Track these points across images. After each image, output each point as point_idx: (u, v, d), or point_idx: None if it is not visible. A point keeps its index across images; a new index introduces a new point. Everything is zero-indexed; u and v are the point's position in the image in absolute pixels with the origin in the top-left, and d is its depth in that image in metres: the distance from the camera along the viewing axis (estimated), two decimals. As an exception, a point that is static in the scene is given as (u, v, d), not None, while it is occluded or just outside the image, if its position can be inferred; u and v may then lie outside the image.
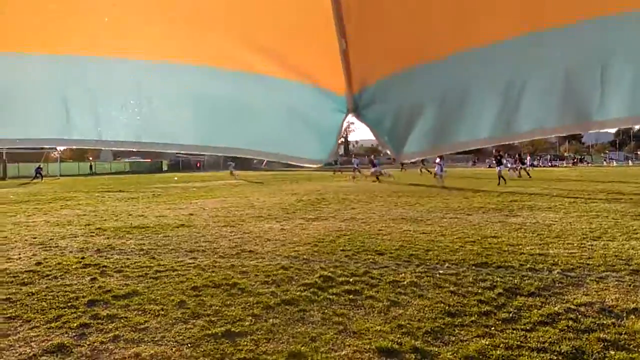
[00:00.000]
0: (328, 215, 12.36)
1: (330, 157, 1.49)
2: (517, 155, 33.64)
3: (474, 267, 6.50)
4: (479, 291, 5.41)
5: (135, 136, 1.35)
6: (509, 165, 31.80)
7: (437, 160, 23.64)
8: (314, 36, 1.30)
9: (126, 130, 1.34)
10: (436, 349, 3.95)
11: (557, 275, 6.01)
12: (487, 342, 4.05)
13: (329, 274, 6.23)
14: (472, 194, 17.77)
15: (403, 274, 6.16)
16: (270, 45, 1.31)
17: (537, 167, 55.42)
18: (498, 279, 5.89)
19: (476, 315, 4.69)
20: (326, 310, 4.91)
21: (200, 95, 1.37)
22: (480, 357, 3.81)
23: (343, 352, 3.93)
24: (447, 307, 4.91)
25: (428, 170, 35.19)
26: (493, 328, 4.38)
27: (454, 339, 4.17)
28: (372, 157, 38.95)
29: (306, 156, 1.50)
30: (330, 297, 5.33)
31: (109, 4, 1.17)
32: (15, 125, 1.27)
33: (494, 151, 29.49)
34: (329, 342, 4.14)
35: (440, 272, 6.26)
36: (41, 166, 40.04)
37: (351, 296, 5.34)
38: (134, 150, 1.37)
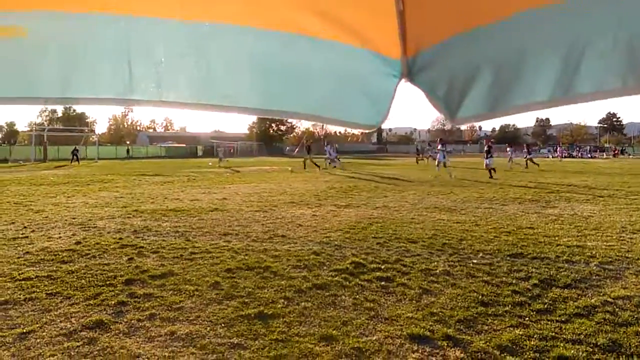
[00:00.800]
0: (360, 202, 12.34)
1: (382, 122, 1.48)
2: (525, 146, 32.99)
3: (508, 258, 6.40)
4: (514, 282, 5.33)
5: (195, 97, 1.37)
6: (513, 155, 31.25)
7: (440, 146, 22.68)
8: None
9: (186, 91, 1.36)
10: (469, 337, 3.92)
11: (594, 268, 5.86)
12: (520, 333, 4.00)
13: (361, 260, 6.24)
14: (508, 184, 17.42)
15: (436, 263, 6.11)
16: (326, 7, 1.30)
17: (575, 157, 54.05)
18: (533, 270, 5.79)
19: (510, 306, 4.62)
20: (357, 296, 4.92)
21: (258, 58, 1.37)
22: (514, 347, 3.76)
23: (374, 337, 3.94)
24: (480, 297, 4.85)
25: (431, 157, 34.55)
26: (527, 319, 4.31)
27: (487, 328, 4.12)
28: (327, 143, 37.25)
29: (360, 121, 1.49)
30: (362, 283, 5.34)
31: None
32: (81, 84, 1.30)
33: (484, 142, 28.76)
34: (360, 327, 4.15)
35: (474, 261, 6.18)
36: (77, 148, 41.11)
37: (383, 283, 5.34)
38: (192, 109, 1.39)
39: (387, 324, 4.21)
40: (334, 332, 4.04)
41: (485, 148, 23.31)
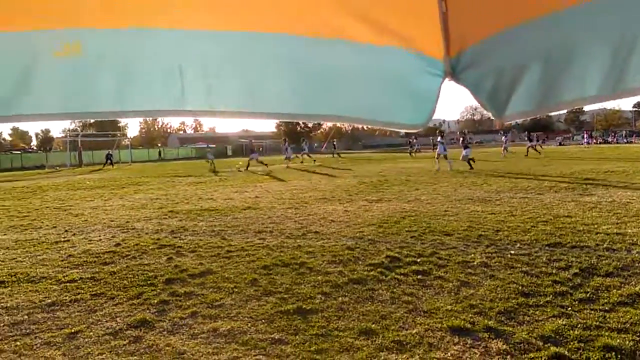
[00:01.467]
0: (391, 196, 12.29)
1: (427, 122, 1.49)
2: (527, 133, 33.28)
3: (547, 247, 6.29)
4: (554, 271, 5.24)
5: (241, 106, 1.41)
6: (507, 144, 31.79)
7: (439, 139, 22.25)
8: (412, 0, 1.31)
9: (233, 100, 1.40)
10: (511, 329, 3.88)
11: (636, 255, 5.71)
12: (563, 322, 3.94)
13: (396, 254, 6.23)
14: (542, 173, 17.08)
15: (472, 255, 6.06)
16: (366, 11, 1.32)
17: (611, 143, 52.54)
18: (573, 259, 5.68)
19: (551, 296, 4.55)
20: (395, 290, 4.93)
21: (299, 64, 1.40)
22: (557, 337, 3.71)
23: (414, 330, 3.94)
24: (520, 288, 4.79)
25: (418, 150, 34.35)
26: (570, 308, 4.24)
27: (528, 318, 4.07)
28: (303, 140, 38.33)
29: (404, 121, 1.50)
30: (398, 277, 5.34)
31: None
32: (136, 98, 1.35)
33: (459, 134, 28.68)
34: (399, 321, 4.16)
35: (512, 252, 6.10)
36: (111, 152, 42.05)
37: (419, 276, 5.32)
38: (237, 117, 1.43)
39: (426, 317, 4.21)
40: (373, 326, 4.06)
41: (461, 139, 23.84)
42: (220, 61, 1.37)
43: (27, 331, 4.25)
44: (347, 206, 10.88)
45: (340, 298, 4.75)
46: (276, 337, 3.91)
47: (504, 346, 3.60)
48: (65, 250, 7.33)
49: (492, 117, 1.41)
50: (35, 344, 3.97)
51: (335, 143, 33.65)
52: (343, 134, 77.45)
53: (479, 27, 1.33)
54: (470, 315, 4.18)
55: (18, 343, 3.99)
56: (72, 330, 4.22)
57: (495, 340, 3.70)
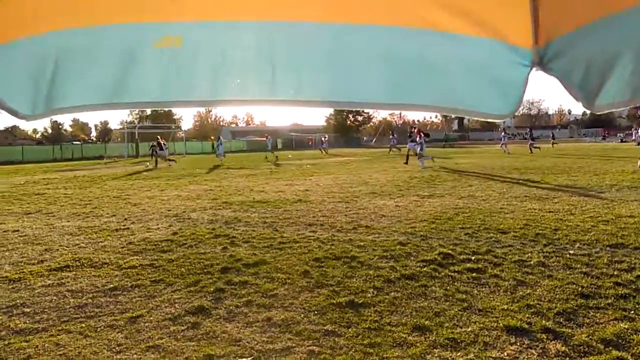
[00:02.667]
0: (444, 192, 12.11)
1: (515, 111, 1.49)
2: (529, 130, 34.12)
3: (608, 248, 6.05)
4: (615, 273, 5.04)
5: (329, 96, 1.44)
6: (506, 141, 32.46)
7: (417, 138, 21.81)
8: None
9: (322, 90, 1.44)
10: (569, 330, 3.77)
11: None
12: (626, 326, 3.79)
13: (449, 251, 6.15)
14: (603, 170, 16.36)
15: (529, 254, 5.90)
16: (457, 1, 1.32)
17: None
18: (636, 260, 5.43)
19: (613, 298, 4.38)
20: (448, 287, 4.87)
21: (386, 54, 1.41)
22: (620, 341, 3.57)
23: (469, 329, 3.89)
24: (579, 289, 4.64)
25: (394, 147, 34.03)
26: (633, 312, 4.07)
27: (588, 321, 3.94)
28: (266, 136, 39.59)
29: (490, 111, 1.50)
30: (452, 274, 5.27)
31: None
32: (229, 88, 1.42)
33: (409, 128, 28.36)
34: (453, 318, 4.11)
35: (571, 252, 5.90)
36: (155, 144, 42.86)
37: (474, 274, 5.24)
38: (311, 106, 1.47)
39: (481, 316, 4.15)
40: (427, 322, 4.03)
41: (410, 134, 24.73)
42: (311, 52, 1.40)
43: (91, 314, 4.47)
44: (399, 201, 10.81)
45: (392, 293, 4.75)
46: (329, 329, 3.96)
47: (563, 348, 3.50)
48: (125, 238, 7.65)
49: (583, 107, 1.38)
50: (99, 326, 4.18)
51: (395, 137, 33.54)
52: (393, 128, 76.66)
53: (569, 17, 1.30)
54: (527, 315, 4.08)
55: (83, 325, 4.22)
56: (133, 315, 4.41)
57: (553, 342, 3.61)
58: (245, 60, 1.40)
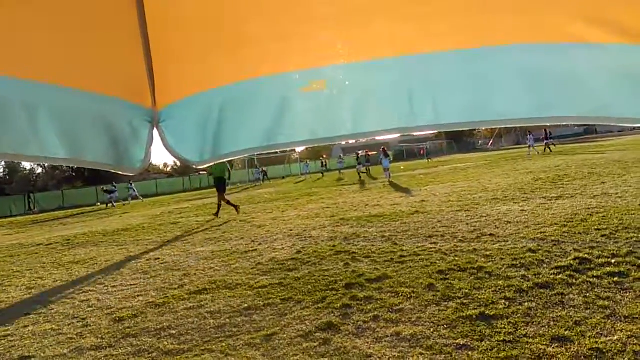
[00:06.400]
0: (573, 192, 11.25)
1: None
2: (544, 132, 33.20)
3: None
4: None
5: (470, 117, 1.47)
6: (532, 143, 31.23)
7: (382, 155, 22.41)
8: None
9: (461, 112, 1.47)
10: None
11: None
12: None
13: (585, 255, 5.71)
14: None
15: (682, 254, 5.30)
16: (594, 12, 1.30)
17: None
18: None
19: None
20: (588, 294, 4.52)
21: (529, 72, 1.40)
22: None
23: (615, 337, 3.58)
24: None
25: (366, 171, 33.12)
26: None
27: None
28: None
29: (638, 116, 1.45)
30: (590, 280, 4.89)
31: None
32: (369, 121, 1.53)
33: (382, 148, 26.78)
34: (596, 327, 3.81)
35: None
36: (264, 169, 45.29)
37: (615, 279, 4.81)
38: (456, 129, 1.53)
39: (627, 323, 3.79)
40: (567, 332, 3.78)
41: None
42: (448, 78, 1.45)
43: (230, 333, 4.76)
44: (524, 205, 10.24)
45: (526, 303, 4.51)
46: (461, 343, 3.86)
47: None
48: (254, 259, 8.07)
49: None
50: (238, 345, 4.44)
51: (532, 135, 32.53)
52: (509, 130, 72.90)
53: None
54: (687, 323, 3.67)
55: (223, 344, 4.50)
56: (268, 333, 4.62)
57: None
58: (384, 94, 1.49)
